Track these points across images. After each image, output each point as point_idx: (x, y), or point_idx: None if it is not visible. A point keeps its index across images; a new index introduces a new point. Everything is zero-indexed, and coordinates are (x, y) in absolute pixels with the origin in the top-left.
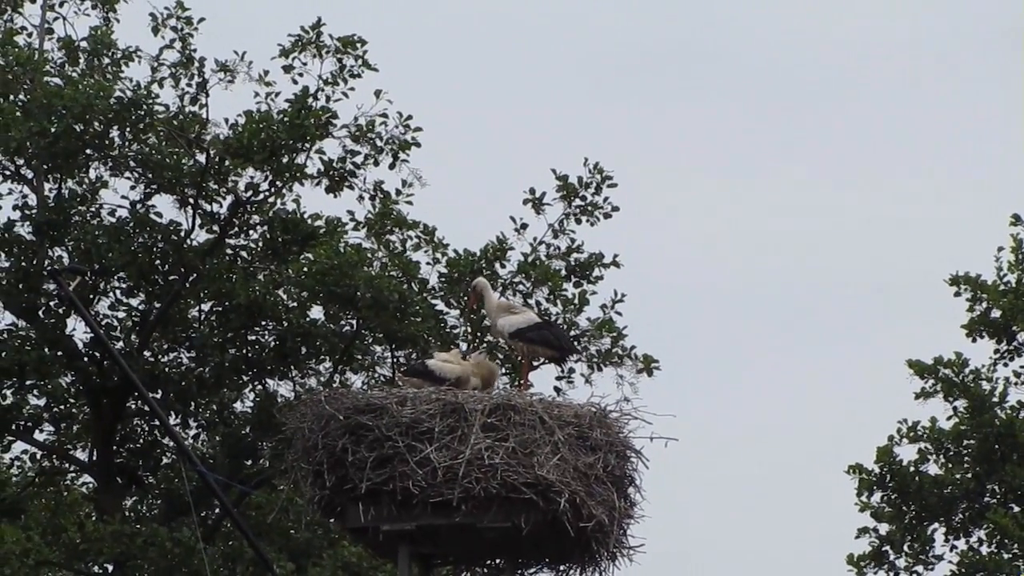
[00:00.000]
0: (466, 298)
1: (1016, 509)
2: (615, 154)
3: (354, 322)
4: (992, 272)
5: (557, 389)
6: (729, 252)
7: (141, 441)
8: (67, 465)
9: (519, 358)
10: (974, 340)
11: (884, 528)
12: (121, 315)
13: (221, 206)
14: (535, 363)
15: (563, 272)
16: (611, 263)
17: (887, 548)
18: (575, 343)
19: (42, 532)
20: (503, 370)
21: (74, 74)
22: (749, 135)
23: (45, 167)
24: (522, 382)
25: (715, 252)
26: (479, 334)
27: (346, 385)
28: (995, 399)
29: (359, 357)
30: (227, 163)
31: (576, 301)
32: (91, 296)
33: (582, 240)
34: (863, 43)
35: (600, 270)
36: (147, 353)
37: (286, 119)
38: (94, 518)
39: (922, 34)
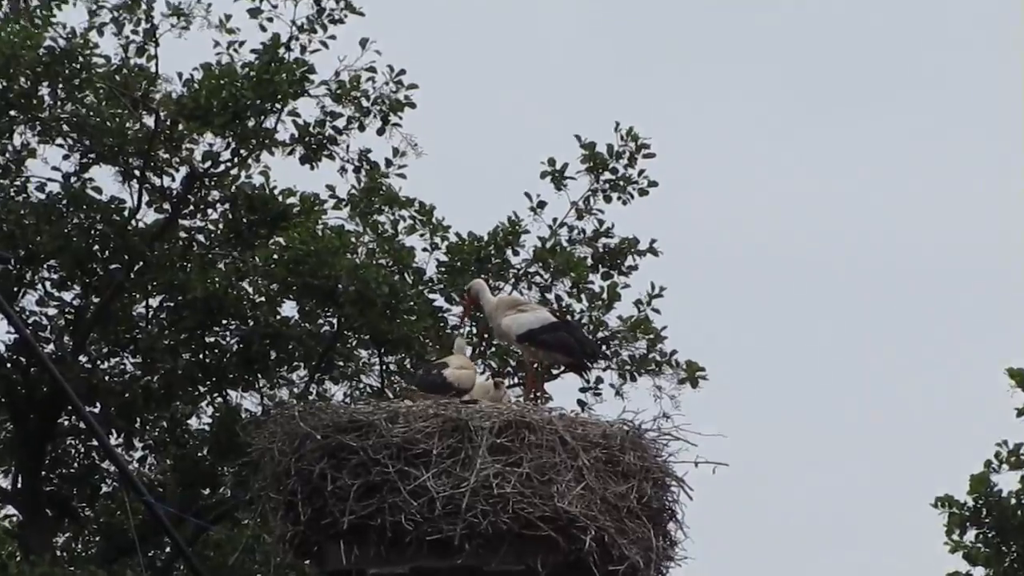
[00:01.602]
0: (461, 304)
1: None
2: (651, 118)
3: (335, 321)
4: None
5: (581, 403)
6: (790, 239)
7: (76, 465)
8: None
9: (534, 365)
10: None
11: (980, 573)
12: (52, 312)
13: (173, 180)
14: (554, 371)
15: (589, 260)
16: (647, 250)
17: None
18: (601, 347)
19: None
20: (512, 381)
21: None
22: (812, 92)
23: None
24: (537, 394)
25: (774, 239)
26: (487, 336)
27: (325, 398)
28: None
29: (341, 364)
30: (181, 128)
31: (605, 296)
32: (15, 289)
33: (612, 222)
34: None
35: (634, 258)
36: (83, 358)
37: (252, 74)
38: (18, 558)
39: None
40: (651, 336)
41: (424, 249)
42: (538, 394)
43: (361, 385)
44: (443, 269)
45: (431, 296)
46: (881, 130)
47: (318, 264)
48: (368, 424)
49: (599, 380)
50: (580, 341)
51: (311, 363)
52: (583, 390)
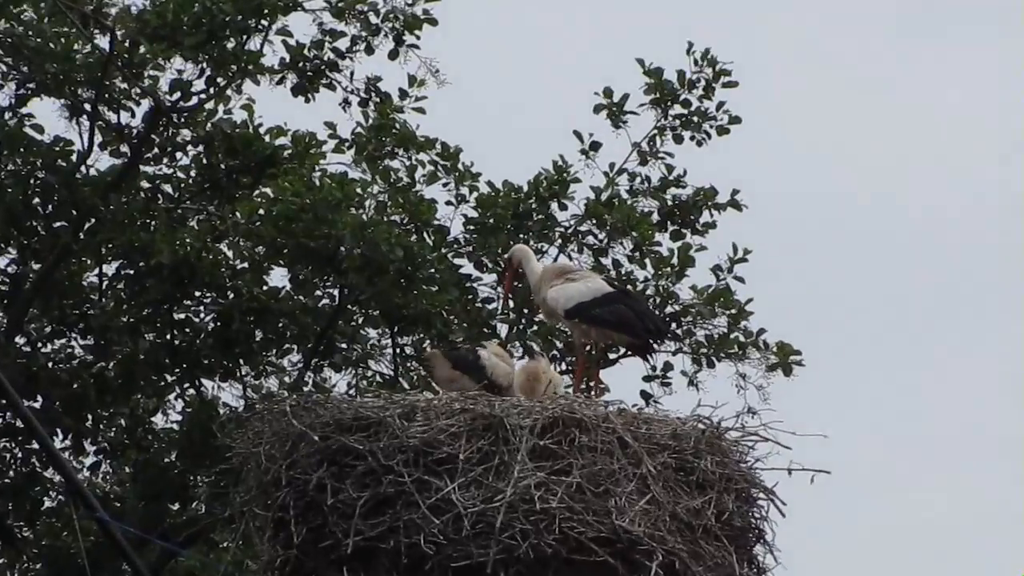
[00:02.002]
0: (503, 273)
1: None
2: (733, 38)
3: (336, 293)
4: None
5: (645, 396)
6: (911, 190)
7: (12, 474)
8: None
9: (586, 348)
10: None
11: None
12: None
13: (133, 116)
14: (611, 354)
15: (655, 216)
16: (728, 203)
17: None
18: (669, 324)
19: None
20: (561, 367)
21: None
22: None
23: None
24: (590, 384)
25: (890, 191)
26: (526, 313)
27: (324, 389)
28: None
29: (343, 346)
30: (142, 50)
31: (675, 260)
32: None
33: (684, 168)
34: None
35: (711, 214)
36: (21, 340)
37: None
38: None
39: None
40: (733, 311)
41: (448, 203)
42: (591, 384)
43: (369, 373)
44: (472, 228)
45: (457, 262)
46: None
47: (315, 221)
48: (378, 422)
49: (668, 366)
50: (643, 317)
51: (306, 345)
52: (648, 379)
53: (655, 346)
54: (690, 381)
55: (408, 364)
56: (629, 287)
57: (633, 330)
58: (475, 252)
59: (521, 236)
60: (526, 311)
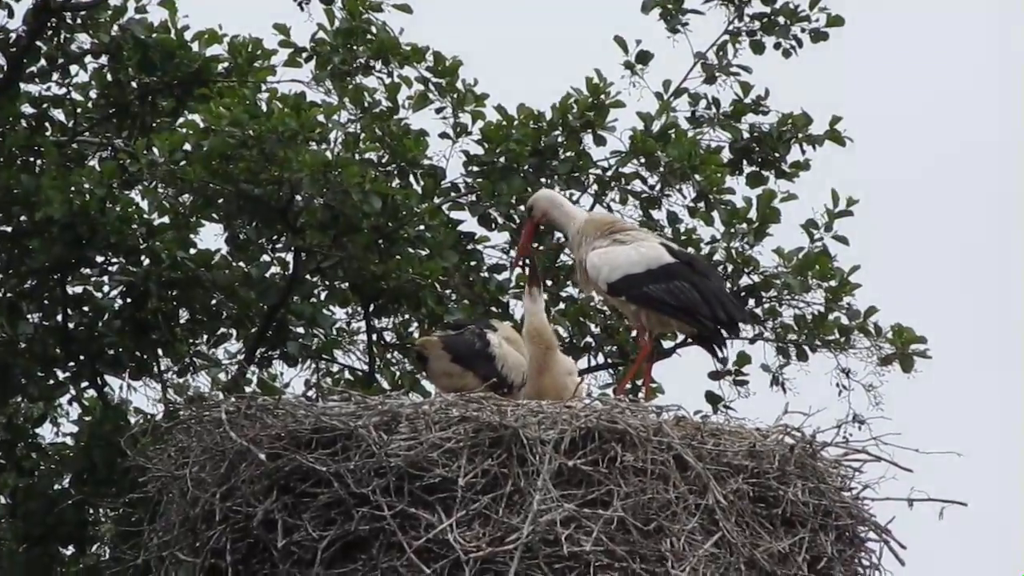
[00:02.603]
0: (519, 230)
1: None
2: None
3: (289, 258)
4: None
5: (713, 398)
6: None
7: None
8: None
9: (632, 333)
10: None
11: None
12: None
13: (11, 15)
14: (666, 343)
15: (726, 154)
16: (826, 136)
17: None
18: (747, 303)
19: None
20: (597, 359)
21: None
22: None
23: None
24: (641, 385)
25: None
26: (552, 283)
27: (274, 389)
28: None
29: (300, 331)
30: None
31: (753, 214)
32: None
33: (765, 88)
34: None
35: (804, 150)
36: None
37: None
38: None
39: None
40: (832, 283)
41: (443, 135)
42: (640, 384)
43: (335, 368)
44: (476, 170)
45: (455, 216)
46: None
47: (261, 160)
48: (347, 435)
49: (743, 358)
50: (714, 300)
51: (249, 330)
52: (715, 376)
53: (727, 334)
54: (774, 379)
55: (389, 355)
56: (692, 253)
57: (699, 318)
58: (480, 203)
59: (544, 181)
60: (550, 283)
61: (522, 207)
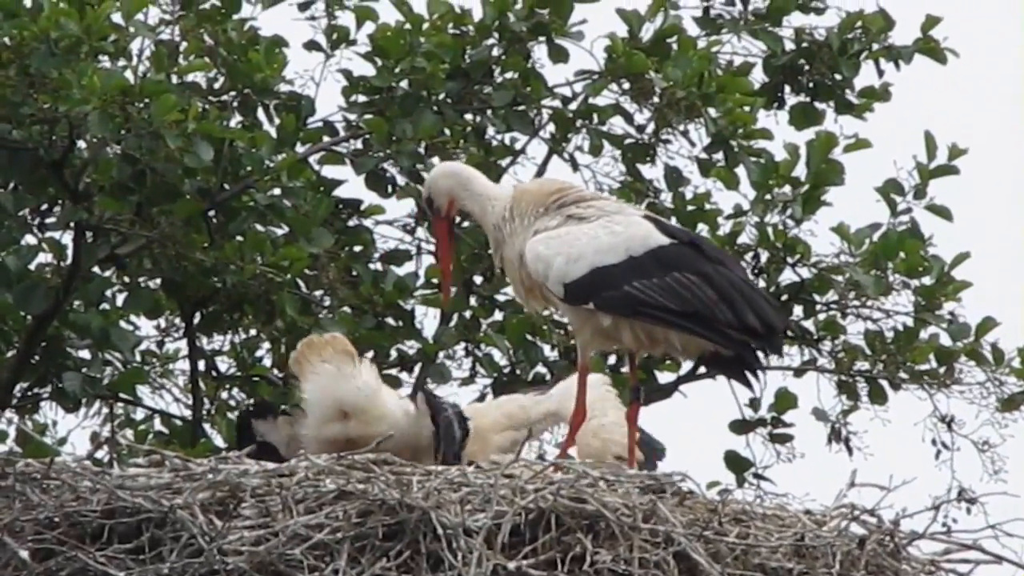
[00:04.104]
0: (433, 228)
1: None
2: None
3: (66, 237)
4: None
5: (737, 463)
6: None
7: None
8: None
9: (589, 356)
10: None
11: None
12: None
13: None
14: (659, 371)
15: (756, 76)
16: (916, 49)
17: None
18: (789, 310)
19: None
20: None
21: None
22: None
23: None
24: (627, 448)
25: None
26: (488, 279)
27: (43, 448)
28: None
29: (84, 354)
30: None
31: (800, 171)
32: None
33: None
34: None
35: (881, 70)
36: None
37: None
38: None
39: None
40: (927, 279)
41: (312, 45)
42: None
43: (138, 413)
44: (363, 99)
45: (329, 173)
46: None
47: (21, 83)
48: (159, 520)
49: (785, 401)
50: (733, 295)
51: (2, 355)
52: (740, 427)
53: (760, 356)
54: (834, 432)
55: (224, 393)
56: (693, 233)
57: (716, 326)
58: (369, 153)
59: (471, 119)
60: (479, 280)
61: (423, 190)
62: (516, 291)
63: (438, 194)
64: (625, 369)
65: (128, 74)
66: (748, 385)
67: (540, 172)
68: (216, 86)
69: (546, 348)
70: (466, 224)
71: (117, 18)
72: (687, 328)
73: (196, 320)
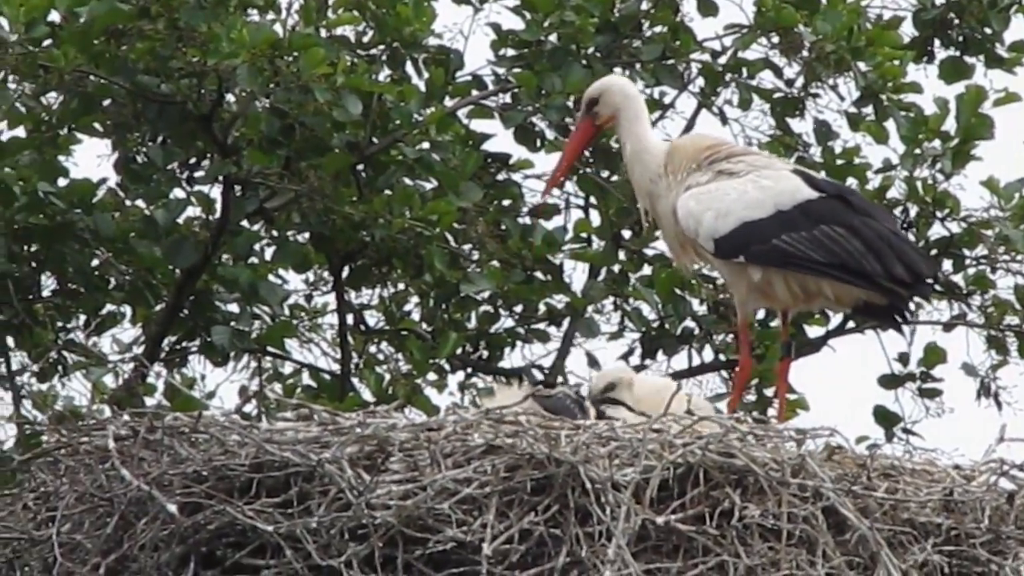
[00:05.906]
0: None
1: None
2: None
3: (215, 191)
4: None
5: (886, 418)
6: None
7: None
8: None
9: (752, 313)
10: None
11: None
12: None
13: None
14: (808, 325)
15: (908, 30)
16: None
17: None
18: (939, 262)
19: None
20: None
21: None
22: None
23: None
24: (774, 396)
25: None
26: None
27: (191, 402)
28: None
29: (232, 307)
30: None
31: (951, 126)
32: None
33: None
34: None
35: None
36: None
37: None
38: None
39: None
40: None
41: None
42: (773, 397)
43: (287, 368)
44: (512, 54)
45: (478, 127)
46: None
47: (169, 37)
48: (308, 473)
49: (934, 355)
50: (884, 247)
51: (151, 308)
52: (888, 382)
53: (909, 307)
54: (984, 387)
55: (373, 347)
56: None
57: (865, 275)
58: (518, 107)
59: (619, 72)
60: (629, 237)
61: (584, 94)
62: (670, 247)
63: (605, 104)
64: (775, 323)
65: (277, 27)
66: (900, 330)
67: (689, 127)
68: (365, 40)
69: (695, 302)
70: (615, 178)
71: None
72: (838, 277)
73: (344, 274)
